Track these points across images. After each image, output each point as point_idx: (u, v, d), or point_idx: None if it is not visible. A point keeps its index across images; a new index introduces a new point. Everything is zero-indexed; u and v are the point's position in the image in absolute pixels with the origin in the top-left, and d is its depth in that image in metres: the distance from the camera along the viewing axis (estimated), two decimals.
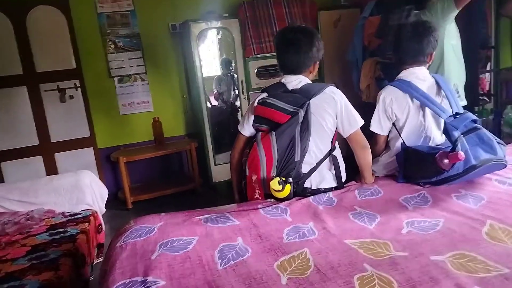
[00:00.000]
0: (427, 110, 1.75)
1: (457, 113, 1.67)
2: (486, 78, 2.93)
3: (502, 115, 2.59)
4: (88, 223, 2.13)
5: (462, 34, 2.31)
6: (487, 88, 2.93)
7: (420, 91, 1.74)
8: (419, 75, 1.80)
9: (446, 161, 1.50)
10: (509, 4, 2.60)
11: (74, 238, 1.92)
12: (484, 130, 1.62)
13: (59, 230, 2.03)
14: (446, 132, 1.59)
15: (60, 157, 3.60)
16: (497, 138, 1.64)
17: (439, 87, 1.80)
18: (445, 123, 1.61)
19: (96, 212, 2.37)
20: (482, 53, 2.88)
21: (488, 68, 2.89)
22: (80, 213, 2.26)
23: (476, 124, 1.63)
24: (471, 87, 2.54)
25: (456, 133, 1.55)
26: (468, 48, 2.44)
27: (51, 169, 3.55)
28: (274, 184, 1.53)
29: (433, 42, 1.78)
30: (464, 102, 2.24)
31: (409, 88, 1.75)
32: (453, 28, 2.24)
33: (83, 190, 2.41)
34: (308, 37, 1.67)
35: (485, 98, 2.90)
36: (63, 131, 3.59)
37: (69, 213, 2.26)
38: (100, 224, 2.35)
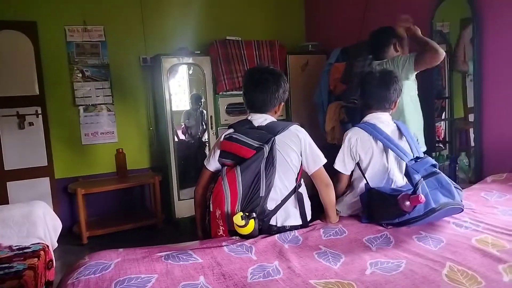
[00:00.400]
0: (390, 153, 1.83)
1: (417, 157, 1.75)
2: (442, 126, 3.12)
3: (457, 161, 2.73)
4: (37, 258, 1.97)
5: (420, 85, 2.47)
6: (442, 135, 3.12)
7: (384, 134, 1.82)
8: (383, 120, 1.90)
9: (407, 203, 1.55)
10: (459, 60, 2.83)
11: (20, 274, 1.77)
12: (443, 175, 1.70)
13: (3, 265, 1.86)
14: (407, 175, 1.65)
15: (13, 186, 3.40)
16: (454, 183, 1.72)
17: (400, 132, 1.90)
18: (406, 166, 1.67)
19: (48, 247, 2.21)
20: (437, 103, 3.08)
21: (443, 117, 3.09)
22: (30, 247, 2.10)
23: (435, 169, 1.71)
24: (428, 135, 2.68)
25: (417, 177, 1.61)
26: (425, 98, 2.61)
27: (2, 199, 3.32)
28: (237, 219, 1.50)
29: (398, 91, 1.91)
30: (424, 148, 2.36)
31: (373, 131, 1.83)
32: (412, 80, 2.40)
33: (35, 222, 2.26)
34: (275, 78, 1.71)
35: (441, 145, 3.07)
36: (19, 159, 3.41)
37: (17, 247, 2.09)
38: (51, 260, 2.18)
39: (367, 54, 3.13)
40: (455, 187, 1.69)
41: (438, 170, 1.71)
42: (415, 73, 2.30)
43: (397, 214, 1.61)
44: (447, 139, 3.03)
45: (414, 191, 1.57)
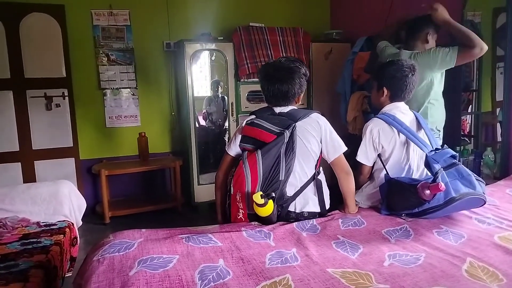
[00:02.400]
0: (411, 144, 1.82)
1: (437, 148, 1.74)
2: (467, 120, 3.04)
3: (482, 156, 2.67)
4: (63, 235, 2.06)
5: (447, 77, 2.41)
6: (467, 129, 3.04)
7: (404, 125, 1.82)
8: (402, 109, 1.90)
9: (427, 192, 1.55)
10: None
11: (47, 249, 1.85)
12: (463, 166, 1.69)
13: (32, 240, 1.95)
14: (427, 165, 1.65)
15: (40, 165, 3.51)
16: (475, 175, 1.69)
17: (419, 123, 1.90)
18: (426, 156, 1.67)
19: (73, 224, 2.30)
20: (464, 96, 3.00)
21: (469, 110, 3.00)
22: (56, 224, 2.19)
23: (455, 160, 1.69)
24: (453, 128, 2.62)
25: (437, 166, 1.61)
26: (452, 90, 2.54)
27: (29, 177, 3.45)
28: (257, 198, 1.52)
29: (416, 81, 1.89)
30: (441, 142, 2.34)
31: (394, 122, 1.82)
32: (442, 73, 2.35)
33: (61, 200, 2.34)
34: (290, 74, 1.68)
35: (466, 139, 3.00)
36: (46, 139, 3.52)
37: (44, 223, 2.19)
38: (75, 237, 2.27)
39: (393, 43, 3.06)
40: (476, 179, 1.67)
41: (458, 161, 1.70)
42: (453, 66, 2.23)
43: (416, 203, 1.61)
44: (472, 133, 2.95)
45: (434, 180, 1.56)
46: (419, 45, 2.38)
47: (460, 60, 2.17)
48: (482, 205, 1.68)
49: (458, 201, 1.56)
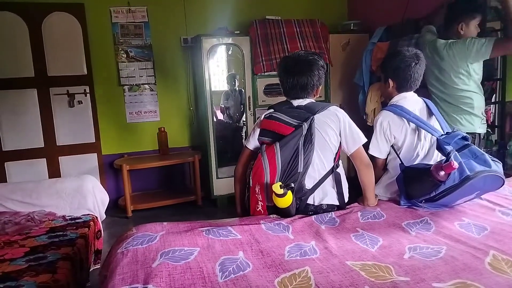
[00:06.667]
0: (422, 131, 1.83)
1: (448, 132, 1.74)
2: (491, 110, 2.96)
3: (507, 146, 2.60)
4: (87, 228, 2.12)
5: None
6: (491, 119, 2.96)
7: (412, 113, 1.81)
8: (409, 99, 1.89)
9: (441, 172, 1.53)
10: None
11: (73, 242, 1.91)
12: (476, 147, 1.67)
13: (58, 233, 2.02)
14: (439, 147, 1.65)
15: (64, 161, 3.63)
16: (491, 156, 1.65)
17: (429, 110, 1.88)
18: (437, 139, 1.67)
19: (96, 218, 2.37)
20: (487, 85, 2.91)
21: (493, 99, 2.92)
22: (81, 218, 2.26)
23: (467, 142, 1.67)
24: None
25: (449, 147, 1.59)
26: None
27: (54, 172, 3.56)
28: (276, 188, 1.53)
29: (422, 70, 1.87)
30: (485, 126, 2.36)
31: (402, 112, 1.82)
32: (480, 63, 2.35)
33: (85, 195, 2.42)
34: (309, 67, 1.70)
35: (489, 130, 2.92)
36: (69, 136, 3.62)
37: (70, 217, 2.26)
38: (99, 230, 2.34)
39: (413, 32, 3.00)
40: (492, 159, 1.63)
41: (470, 142, 1.68)
42: (488, 58, 2.23)
43: (432, 186, 1.59)
44: (496, 123, 2.87)
45: (447, 160, 1.54)
46: (455, 34, 2.37)
47: (496, 52, 2.18)
48: (502, 185, 1.64)
49: (474, 179, 1.52)
